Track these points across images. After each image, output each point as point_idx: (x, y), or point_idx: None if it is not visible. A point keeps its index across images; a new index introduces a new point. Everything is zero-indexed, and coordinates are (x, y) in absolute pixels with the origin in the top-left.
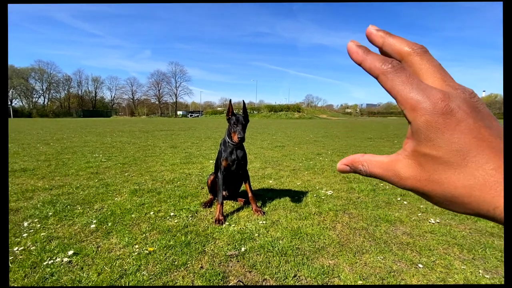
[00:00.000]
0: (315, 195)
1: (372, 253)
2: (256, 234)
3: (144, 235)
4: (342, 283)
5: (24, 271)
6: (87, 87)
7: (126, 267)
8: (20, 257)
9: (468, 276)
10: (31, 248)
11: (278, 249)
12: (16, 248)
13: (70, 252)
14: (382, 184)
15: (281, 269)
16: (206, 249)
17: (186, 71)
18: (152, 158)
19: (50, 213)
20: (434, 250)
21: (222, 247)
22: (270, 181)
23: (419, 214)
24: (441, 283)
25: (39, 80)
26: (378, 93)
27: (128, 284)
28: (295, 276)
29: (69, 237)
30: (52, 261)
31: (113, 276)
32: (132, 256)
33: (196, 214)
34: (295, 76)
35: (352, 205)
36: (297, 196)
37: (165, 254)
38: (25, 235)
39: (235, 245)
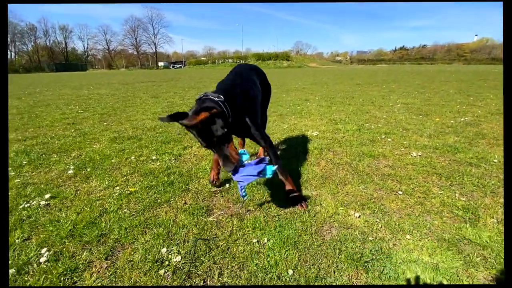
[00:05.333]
0: (301, 136)
1: (354, 184)
2: None
3: (125, 177)
4: (323, 211)
5: None
6: (55, 37)
7: (106, 206)
8: None
9: (445, 200)
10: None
11: (263, 183)
12: None
13: (47, 196)
14: (367, 124)
15: (265, 200)
16: (189, 187)
17: (164, 16)
18: (133, 108)
19: (25, 162)
20: (414, 179)
21: (206, 185)
22: None
23: (402, 149)
24: (419, 207)
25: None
26: (369, 39)
27: (109, 221)
28: (278, 206)
29: (46, 182)
30: (28, 204)
31: (92, 214)
32: (113, 197)
33: (179, 157)
34: (284, 21)
35: (337, 144)
36: (283, 137)
37: (147, 194)
38: None
39: (220, 183)
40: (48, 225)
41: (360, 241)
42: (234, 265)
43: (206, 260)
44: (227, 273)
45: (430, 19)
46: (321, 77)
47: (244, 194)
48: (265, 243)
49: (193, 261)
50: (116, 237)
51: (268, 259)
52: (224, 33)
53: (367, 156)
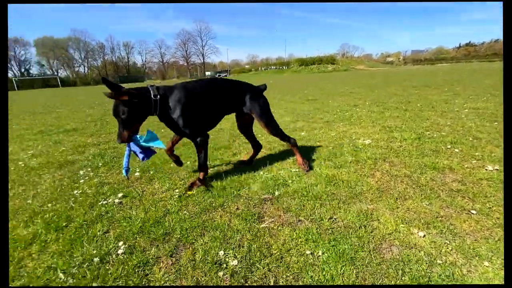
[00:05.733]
0: (351, 145)
1: (416, 199)
2: (290, 181)
3: (183, 181)
4: (382, 227)
5: (84, 209)
6: (119, 52)
7: (169, 207)
8: (80, 198)
9: None
10: (88, 192)
11: (312, 194)
12: (76, 191)
13: (120, 195)
14: (428, 133)
15: (316, 211)
16: (240, 193)
17: (211, 28)
18: None
19: (100, 164)
20: (490, 197)
21: (256, 191)
22: (302, 133)
23: (474, 162)
24: (499, 230)
25: (77, 50)
26: (426, 36)
27: (172, 221)
28: (331, 218)
29: (118, 183)
30: (106, 201)
31: (158, 214)
32: (174, 199)
33: (229, 163)
34: (328, 24)
35: (393, 154)
36: (331, 146)
37: (203, 197)
38: (82, 181)
39: (269, 190)
40: (122, 221)
41: (426, 263)
42: (288, 275)
43: (261, 267)
44: (282, 282)
45: (491, 12)
46: (371, 80)
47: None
48: (319, 256)
49: (249, 266)
50: (178, 236)
51: (324, 273)
52: (267, 40)
53: (430, 169)
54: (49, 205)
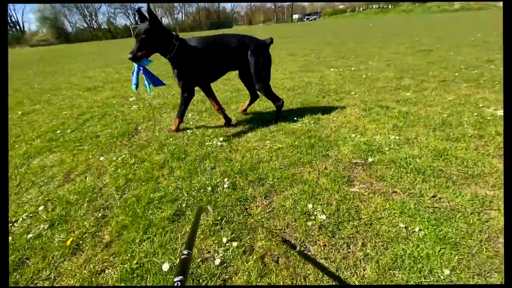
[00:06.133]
0: (475, 114)
1: None
2: (386, 148)
3: (272, 134)
4: (501, 218)
5: (195, 147)
6: None
7: (261, 156)
8: (191, 137)
9: None
10: (196, 133)
11: (414, 166)
12: (188, 131)
13: (221, 139)
14: None
15: (416, 186)
16: (329, 153)
17: None
18: (273, 66)
19: (203, 109)
20: None
21: (346, 154)
22: (407, 94)
23: None
24: None
25: None
26: None
27: (265, 168)
28: (434, 196)
29: (218, 128)
30: (210, 143)
31: (253, 160)
32: (265, 149)
33: (318, 122)
34: None
35: None
36: (446, 114)
37: (292, 152)
38: (191, 122)
39: (361, 155)
40: (224, 161)
41: None
42: (377, 241)
43: (349, 227)
44: (370, 246)
45: None
46: None
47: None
48: (415, 232)
49: (337, 224)
50: (271, 183)
51: (418, 249)
52: None
53: None
54: (171, 139)
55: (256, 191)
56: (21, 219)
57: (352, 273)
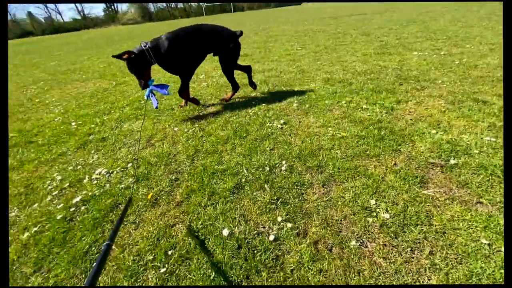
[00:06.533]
0: None
1: None
2: (476, 151)
3: (337, 121)
4: None
5: (256, 127)
6: None
7: (322, 142)
8: (253, 117)
9: None
10: (258, 113)
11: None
12: (250, 110)
13: (282, 121)
14: None
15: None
16: (401, 148)
17: None
18: (343, 47)
19: (266, 90)
20: None
21: (422, 152)
22: None
23: None
24: None
25: None
26: None
27: (325, 156)
28: None
29: (280, 110)
30: (271, 124)
31: (313, 146)
32: (327, 136)
33: (391, 112)
34: None
35: None
36: None
37: (357, 142)
38: (253, 103)
39: (441, 154)
40: (283, 144)
41: None
42: (450, 253)
43: (416, 232)
44: (440, 256)
45: None
46: None
47: (147, 95)
48: (500, 252)
49: (401, 225)
50: (330, 172)
51: (501, 271)
52: None
53: None
54: (234, 117)
55: (314, 178)
56: (115, 171)
57: (414, 279)
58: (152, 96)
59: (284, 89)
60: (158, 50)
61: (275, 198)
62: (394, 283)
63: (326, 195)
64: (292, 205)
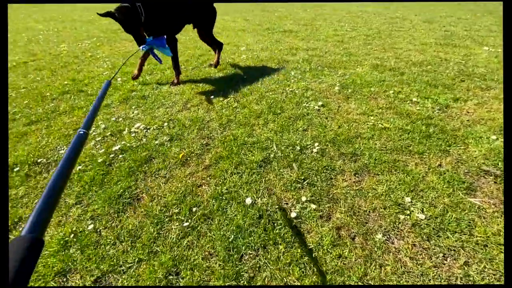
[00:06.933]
0: None
1: None
2: None
3: (381, 110)
4: None
5: (292, 105)
6: None
7: (360, 131)
8: (290, 95)
9: None
10: (296, 91)
11: None
12: (287, 88)
13: (320, 103)
14: None
15: None
16: (450, 150)
17: None
18: (399, 34)
19: (307, 69)
20: None
21: (475, 157)
22: None
23: None
24: None
25: None
26: None
27: (362, 145)
28: None
29: (319, 91)
30: (307, 104)
31: (350, 133)
32: (367, 125)
33: (445, 109)
34: None
35: None
36: None
37: (400, 136)
38: (292, 80)
39: (498, 163)
40: (318, 126)
41: None
42: (488, 267)
43: (453, 239)
44: (476, 268)
45: None
46: None
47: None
48: None
49: (437, 229)
50: (365, 162)
51: None
52: None
53: None
54: (270, 93)
55: (346, 165)
56: (152, 128)
57: (441, 285)
58: (151, 52)
59: (326, 70)
60: (148, 7)
61: (302, 178)
62: (418, 284)
63: (357, 184)
64: (319, 187)
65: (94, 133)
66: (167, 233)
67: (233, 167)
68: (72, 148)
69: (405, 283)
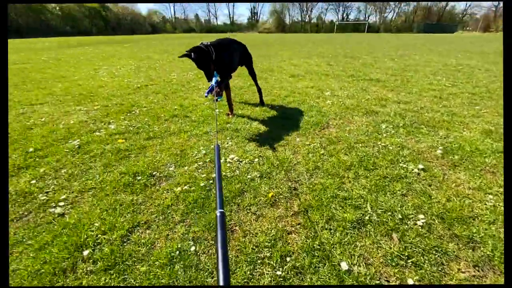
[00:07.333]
0: None
1: None
2: None
3: (502, 189)
4: None
5: (386, 163)
6: None
7: (477, 211)
8: (382, 150)
9: None
10: (389, 147)
11: None
12: (379, 142)
13: (420, 166)
14: None
15: None
16: None
17: None
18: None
19: (401, 124)
20: None
21: None
22: None
23: None
24: None
25: None
26: None
27: (482, 230)
28: None
29: (417, 152)
30: (405, 165)
31: (463, 211)
32: (486, 205)
33: None
34: None
35: None
36: None
37: None
38: (384, 135)
39: None
40: (420, 194)
41: None
42: None
43: None
44: None
45: None
46: None
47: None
48: None
49: None
50: (489, 253)
51: None
52: None
53: None
54: (359, 145)
55: (462, 252)
56: (244, 162)
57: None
58: (210, 91)
59: (424, 129)
60: (216, 49)
61: (406, 254)
62: None
63: (478, 279)
64: (428, 272)
65: (196, 157)
66: (260, 277)
67: (324, 220)
68: (221, 228)
69: (327, 284)
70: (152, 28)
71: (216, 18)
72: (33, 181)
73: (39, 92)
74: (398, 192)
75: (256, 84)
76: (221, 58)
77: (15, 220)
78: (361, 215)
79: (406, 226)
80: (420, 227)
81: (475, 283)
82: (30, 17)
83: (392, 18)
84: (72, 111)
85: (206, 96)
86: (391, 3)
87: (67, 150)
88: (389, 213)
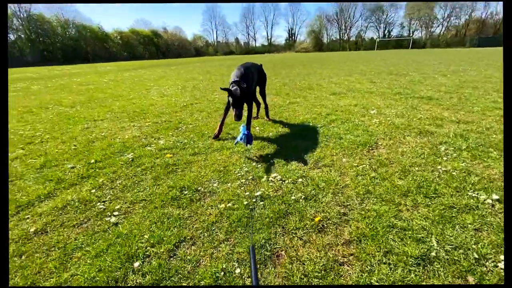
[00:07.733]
0: None
1: None
2: None
3: None
4: None
5: (450, 191)
6: (494, 7)
7: None
8: (444, 176)
9: None
10: (452, 173)
11: None
12: (439, 166)
13: (494, 197)
14: None
15: None
16: None
17: None
18: None
19: (463, 147)
20: None
21: None
22: None
23: None
24: None
25: (443, 7)
26: None
27: None
28: None
29: (488, 179)
30: (474, 195)
31: None
32: None
33: None
34: None
35: None
36: None
37: None
38: (444, 158)
39: None
40: (497, 230)
41: None
42: None
43: None
44: None
45: None
46: None
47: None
48: None
49: None
50: None
51: None
52: None
53: None
54: (415, 168)
55: None
56: (287, 181)
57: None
58: (241, 139)
59: (494, 153)
60: (246, 81)
61: None
62: None
63: None
64: None
65: (238, 174)
66: None
67: (381, 253)
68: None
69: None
70: (196, 52)
71: (255, 40)
72: (93, 190)
73: (100, 110)
74: (469, 226)
75: (265, 102)
76: (249, 92)
77: (76, 226)
78: (426, 250)
79: (485, 269)
80: (501, 269)
81: None
82: (97, 46)
83: (440, 32)
84: (127, 127)
85: (235, 144)
86: (439, 17)
87: (122, 163)
88: (461, 250)
